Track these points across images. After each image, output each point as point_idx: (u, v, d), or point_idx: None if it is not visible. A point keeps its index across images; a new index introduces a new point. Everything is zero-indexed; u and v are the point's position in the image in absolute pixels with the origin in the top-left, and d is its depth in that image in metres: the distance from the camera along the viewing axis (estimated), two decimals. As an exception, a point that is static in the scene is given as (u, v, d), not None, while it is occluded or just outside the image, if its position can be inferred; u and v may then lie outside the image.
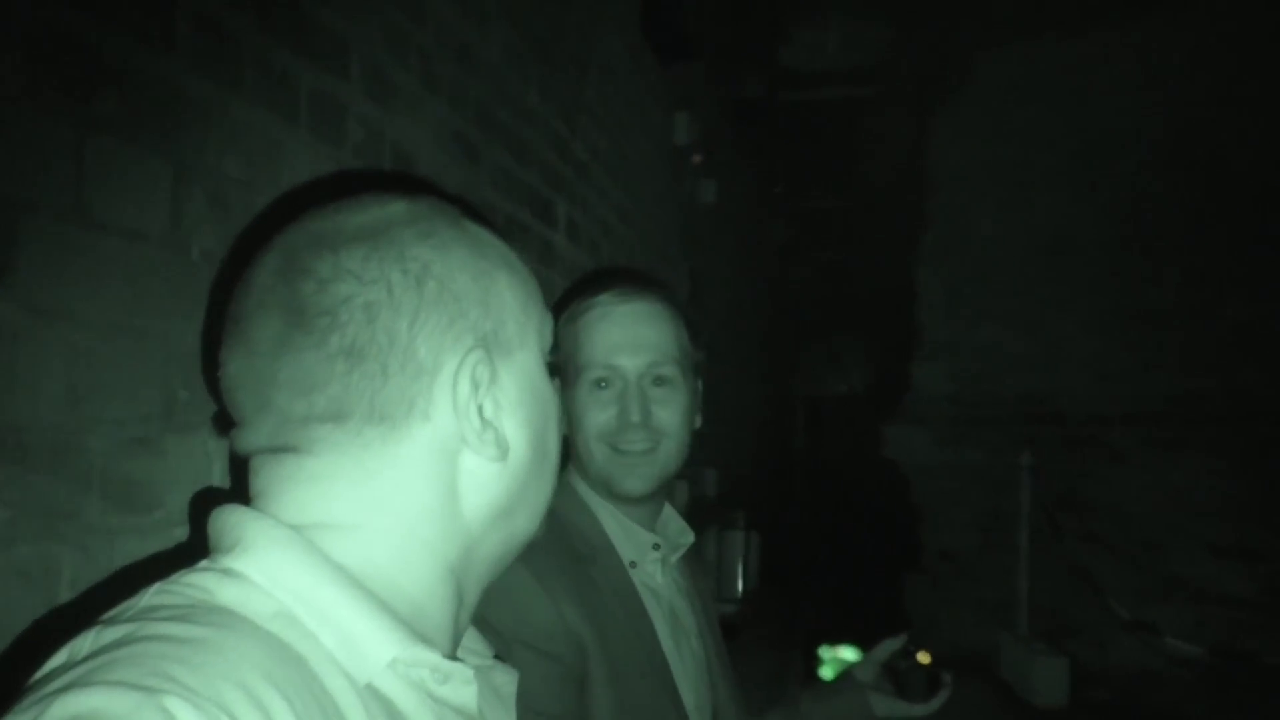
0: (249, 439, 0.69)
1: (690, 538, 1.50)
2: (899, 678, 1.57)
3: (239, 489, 0.72)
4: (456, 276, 0.70)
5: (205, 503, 1.10)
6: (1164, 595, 5.78)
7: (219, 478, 1.14)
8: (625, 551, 1.39)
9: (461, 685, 0.69)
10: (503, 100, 2.08)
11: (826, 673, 1.65)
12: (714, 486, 4.59)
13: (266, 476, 0.69)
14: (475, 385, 0.70)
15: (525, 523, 0.78)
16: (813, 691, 1.59)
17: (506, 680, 0.81)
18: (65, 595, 0.93)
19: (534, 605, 1.17)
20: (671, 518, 1.51)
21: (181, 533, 1.09)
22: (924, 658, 1.57)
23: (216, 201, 1.14)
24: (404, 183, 1.57)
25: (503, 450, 0.72)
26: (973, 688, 5.74)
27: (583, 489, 1.42)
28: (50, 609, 0.92)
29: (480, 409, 0.71)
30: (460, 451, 0.71)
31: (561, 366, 1.37)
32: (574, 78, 2.64)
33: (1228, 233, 5.90)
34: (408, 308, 0.67)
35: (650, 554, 1.41)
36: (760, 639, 3.95)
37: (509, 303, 0.74)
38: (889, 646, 1.61)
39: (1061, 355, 6.49)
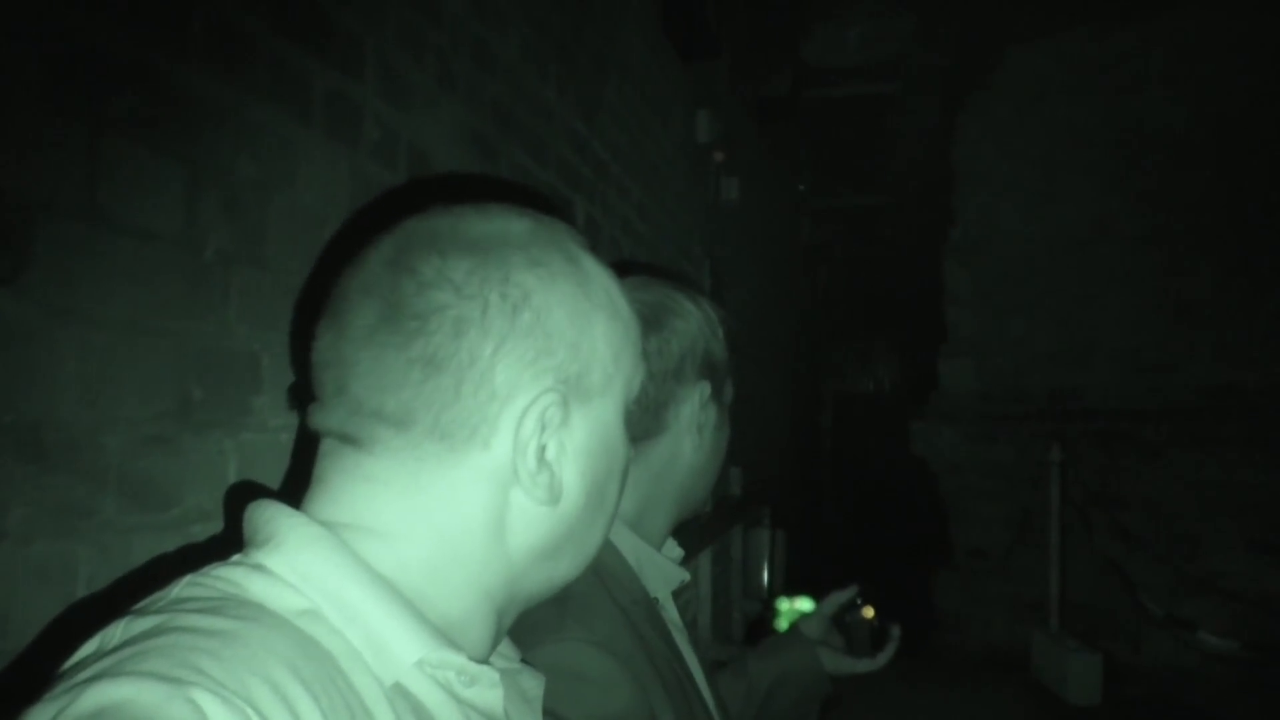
0: (322, 419, 0.69)
1: (685, 570, 1.37)
2: (848, 632, 1.54)
3: (300, 468, 0.72)
4: (554, 313, 0.69)
5: (240, 496, 1.12)
6: (1198, 591, 5.70)
7: (235, 475, 1.15)
8: (650, 589, 1.27)
9: (488, 688, 0.69)
10: (520, 99, 2.09)
11: (783, 624, 1.63)
12: (739, 485, 4.58)
13: (328, 465, 0.70)
14: (542, 425, 0.68)
15: (568, 567, 0.77)
16: (759, 649, 1.54)
17: (533, 685, 0.81)
18: (82, 592, 0.94)
19: (616, 694, 1.04)
20: (670, 546, 1.37)
21: (199, 530, 1.10)
22: (868, 612, 1.54)
23: (230, 202, 1.15)
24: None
25: (554, 495, 0.71)
26: (1005, 686, 5.68)
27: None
28: (68, 605, 0.93)
29: (543, 450, 0.69)
30: (512, 486, 0.69)
31: (719, 383, 1.29)
32: (593, 76, 2.64)
33: (1262, 224, 5.82)
34: (496, 332, 0.66)
35: (666, 588, 1.31)
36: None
37: (601, 350, 0.72)
38: (838, 599, 1.57)
39: (1092, 350, 6.42)
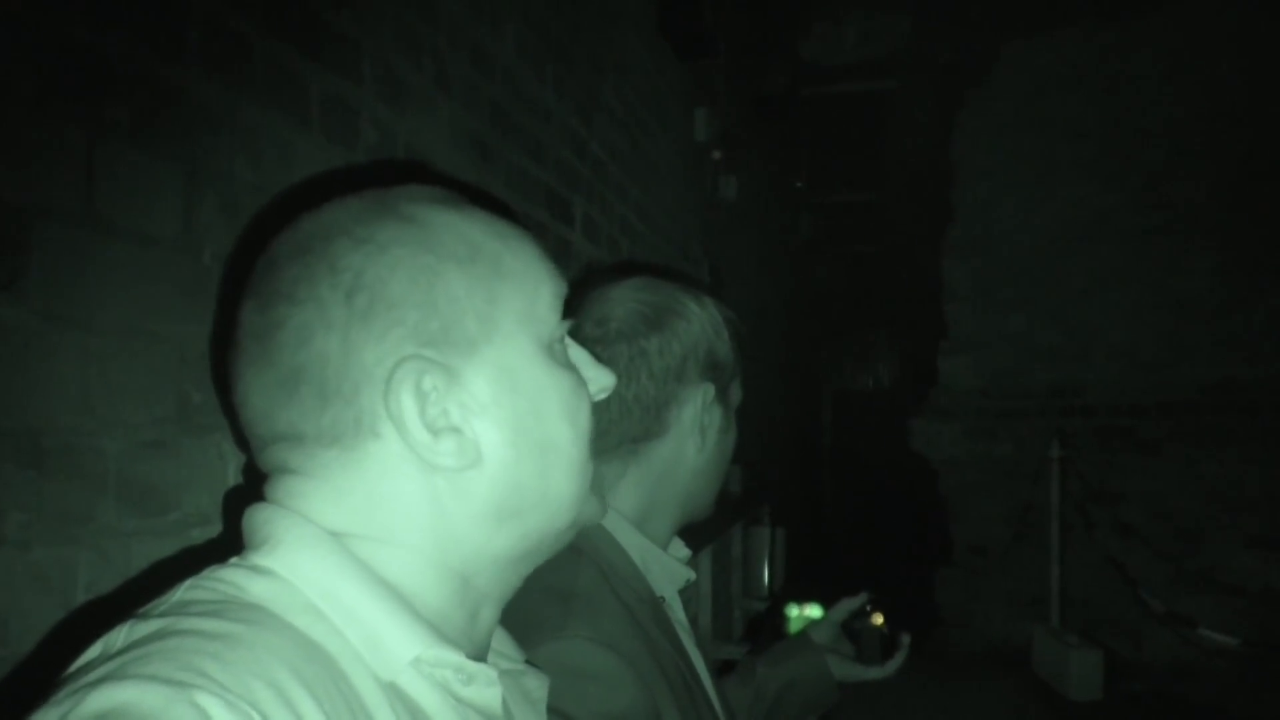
0: (255, 459, 0.72)
1: (691, 569, 1.35)
2: (857, 639, 1.54)
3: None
4: (391, 282, 0.66)
5: (236, 501, 1.12)
6: (1199, 587, 5.70)
7: (234, 479, 1.15)
8: (656, 587, 1.24)
9: (485, 687, 0.68)
10: (517, 100, 2.08)
11: (793, 631, 1.63)
12: (738, 483, 4.58)
13: (271, 493, 0.71)
14: (422, 393, 0.66)
15: (541, 520, 0.73)
16: (768, 655, 1.53)
17: (538, 685, 0.80)
18: (82, 598, 0.94)
19: (620, 691, 1.02)
20: (677, 545, 1.36)
21: (198, 534, 1.10)
22: (877, 619, 1.53)
23: (228, 205, 1.15)
24: (401, 171, 1.57)
25: (470, 457, 0.68)
26: (1007, 682, 5.69)
27: (613, 521, 1.20)
28: (69, 611, 0.93)
29: (444, 415, 0.67)
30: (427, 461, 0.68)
31: (724, 385, 1.27)
32: (590, 76, 2.64)
33: (1261, 219, 5.81)
34: (338, 325, 0.65)
35: (672, 587, 1.28)
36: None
37: (462, 296, 0.68)
38: (847, 606, 1.57)
39: (1091, 346, 6.42)
